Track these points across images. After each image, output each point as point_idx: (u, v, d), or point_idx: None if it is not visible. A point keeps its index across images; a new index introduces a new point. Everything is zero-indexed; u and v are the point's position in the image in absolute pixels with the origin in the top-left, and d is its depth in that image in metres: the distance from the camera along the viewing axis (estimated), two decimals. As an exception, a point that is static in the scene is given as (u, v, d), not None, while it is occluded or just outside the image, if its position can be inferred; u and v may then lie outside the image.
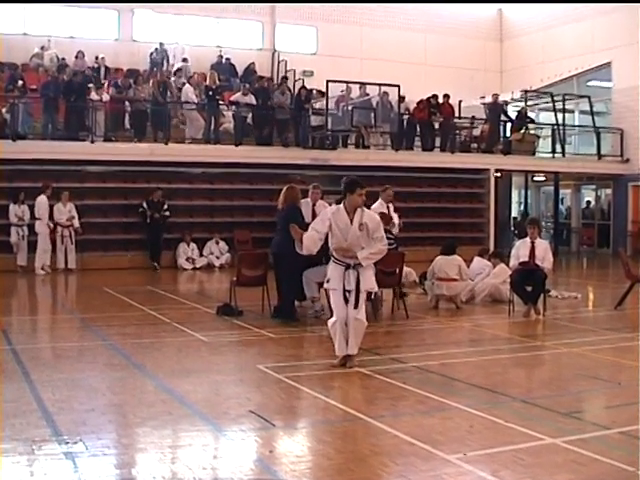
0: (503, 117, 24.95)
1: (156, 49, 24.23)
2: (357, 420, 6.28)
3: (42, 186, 18.20)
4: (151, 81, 21.31)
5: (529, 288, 11.99)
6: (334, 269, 8.18)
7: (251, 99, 21.06)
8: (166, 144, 20.10)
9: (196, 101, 21.72)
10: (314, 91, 22.04)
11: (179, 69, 23.88)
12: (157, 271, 19.08)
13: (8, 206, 18.25)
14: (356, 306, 8.04)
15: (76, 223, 18.63)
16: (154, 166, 20.00)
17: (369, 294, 8.66)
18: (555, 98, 25.90)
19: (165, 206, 19.59)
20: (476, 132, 25.40)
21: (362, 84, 22.38)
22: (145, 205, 19.37)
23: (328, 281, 8.19)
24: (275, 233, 11.57)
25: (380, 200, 13.09)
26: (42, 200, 18.12)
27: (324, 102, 20.76)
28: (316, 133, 21.68)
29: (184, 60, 24.26)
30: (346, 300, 8.06)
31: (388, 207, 13.21)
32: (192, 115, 21.68)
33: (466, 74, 28.29)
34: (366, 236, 8.10)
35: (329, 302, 8.68)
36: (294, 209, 11.21)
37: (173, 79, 22.67)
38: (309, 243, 8.36)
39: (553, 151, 25.45)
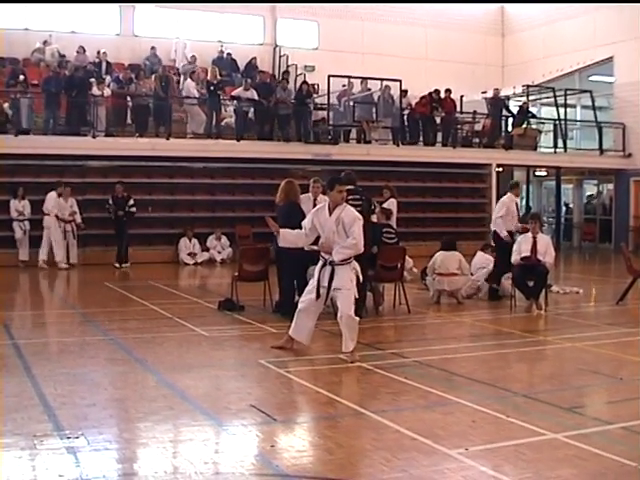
0: (505, 112, 24.92)
1: (148, 57, 24.14)
2: (358, 415, 6.28)
3: (55, 182, 18.36)
4: (153, 76, 21.29)
5: (531, 283, 11.98)
6: (319, 263, 8.38)
7: (252, 94, 21.04)
8: (167, 139, 20.09)
9: (197, 96, 21.70)
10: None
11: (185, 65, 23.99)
12: (120, 269, 18.24)
13: (9, 201, 18.29)
14: (325, 302, 8.43)
15: (78, 218, 18.64)
16: (155, 161, 20.00)
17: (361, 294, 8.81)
18: (557, 93, 25.87)
19: (130, 202, 18.73)
20: (478, 127, 25.37)
21: (364, 79, 22.38)
22: (110, 201, 18.68)
23: (312, 276, 8.37)
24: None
25: (510, 194, 13.36)
26: (51, 196, 18.22)
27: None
28: (317, 128, 21.68)
29: (190, 61, 24.17)
30: (318, 295, 8.28)
31: (516, 203, 13.40)
32: (193, 110, 21.66)
33: (468, 69, 28.22)
34: (342, 232, 8.20)
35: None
36: (294, 205, 11.19)
37: (178, 78, 22.63)
38: (292, 237, 8.67)
39: (555, 146, 25.43)
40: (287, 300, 11.23)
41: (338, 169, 14.73)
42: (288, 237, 8.66)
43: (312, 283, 8.42)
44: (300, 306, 8.50)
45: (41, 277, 16.87)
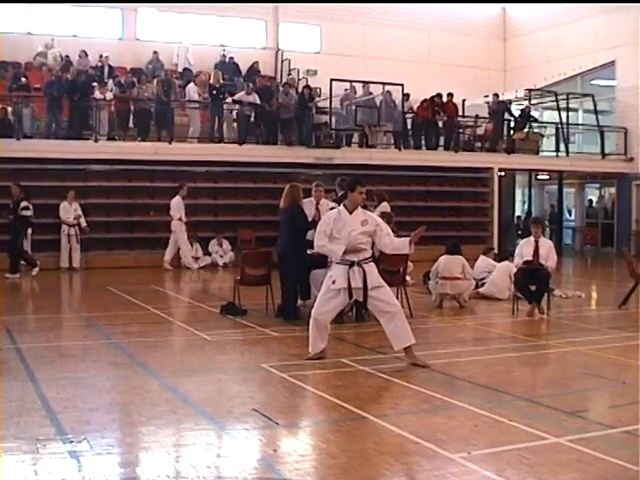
0: (507, 116, 24.91)
1: (150, 62, 24.22)
2: (361, 419, 6.28)
3: (178, 186, 18.95)
4: (155, 80, 21.32)
5: (533, 287, 11.97)
6: (338, 268, 8.24)
7: (255, 98, 21.05)
8: (170, 143, 20.12)
9: (198, 100, 21.73)
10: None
11: (185, 69, 24.09)
12: (11, 279, 16.50)
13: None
14: (365, 302, 8.25)
15: (83, 222, 18.71)
16: (158, 165, 20.03)
17: None
18: (559, 97, 25.89)
19: (22, 204, 16.85)
20: (480, 131, 25.37)
21: (366, 83, 22.39)
22: (11, 205, 17.09)
23: (334, 282, 8.19)
24: (279, 233, 11.52)
25: None
26: (177, 200, 18.63)
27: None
28: (319, 132, 21.69)
29: (187, 69, 24.33)
30: (350, 297, 8.23)
31: None
32: (195, 114, 21.69)
33: (470, 73, 28.26)
34: (368, 232, 8.20)
35: None
36: (298, 210, 11.20)
37: (179, 82, 22.67)
38: (331, 247, 8.32)
39: (557, 150, 25.43)
40: (290, 304, 11.24)
41: (340, 173, 14.79)
42: (331, 248, 8.33)
43: (328, 289, 8.23)
44: (320, 318, 8.28)
45: (43, 281, 16.85)
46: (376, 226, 8.27)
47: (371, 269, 8.23)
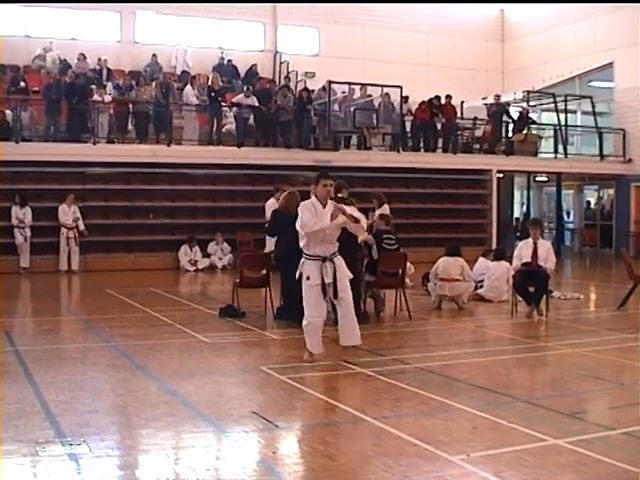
0: (505, 118, 24.93)
1: (148, 64, 24.24)
2: (360, 421, 6.28)
3: (273, 189, 18.28)
4: (153, 83, 21.33)
5: (532, 289, 11.98)
6: (310, 264, 8.27)
7: (253, 100, 21.05)
8: (168, 146, 20.11)
9: (196, 103, 21.72)
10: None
11: (184, 72, 24.11)
12: None
13: (10, 208, 18.32)
14: (335, 296, 8.29)
15: (81, 225, 18.73)
16: (156, 168, 20.02)
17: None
18: (557, 98, 25.92)
19: None
20: (478, 133, 25.40)
21: (364, 85, 22.40)
22: None
23: (308, 278, 8.23)
24: (281, 235, 11.39)
25: None
26: (271, 202, 18.40)
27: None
28: (317, 135, 21.70)
29: (186, 71, 24.36)
30: (324, 294, 8.25)
31: None
32: (189, 116, 21.69)
33: (468, 75, 28.29)
34: (338, 224, 8.23)
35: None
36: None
37: (178, 85, 22.67)
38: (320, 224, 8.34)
39: (555, 152, 25.46)
40: (290, 305, 11.18)
41: (339, 175, 14.73)
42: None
43: (306, 287, 8.25)
44: (311, 320, 8.26)
45: (42, 284, 16.86)
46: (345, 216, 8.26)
47: (340, 262, 8.34)
